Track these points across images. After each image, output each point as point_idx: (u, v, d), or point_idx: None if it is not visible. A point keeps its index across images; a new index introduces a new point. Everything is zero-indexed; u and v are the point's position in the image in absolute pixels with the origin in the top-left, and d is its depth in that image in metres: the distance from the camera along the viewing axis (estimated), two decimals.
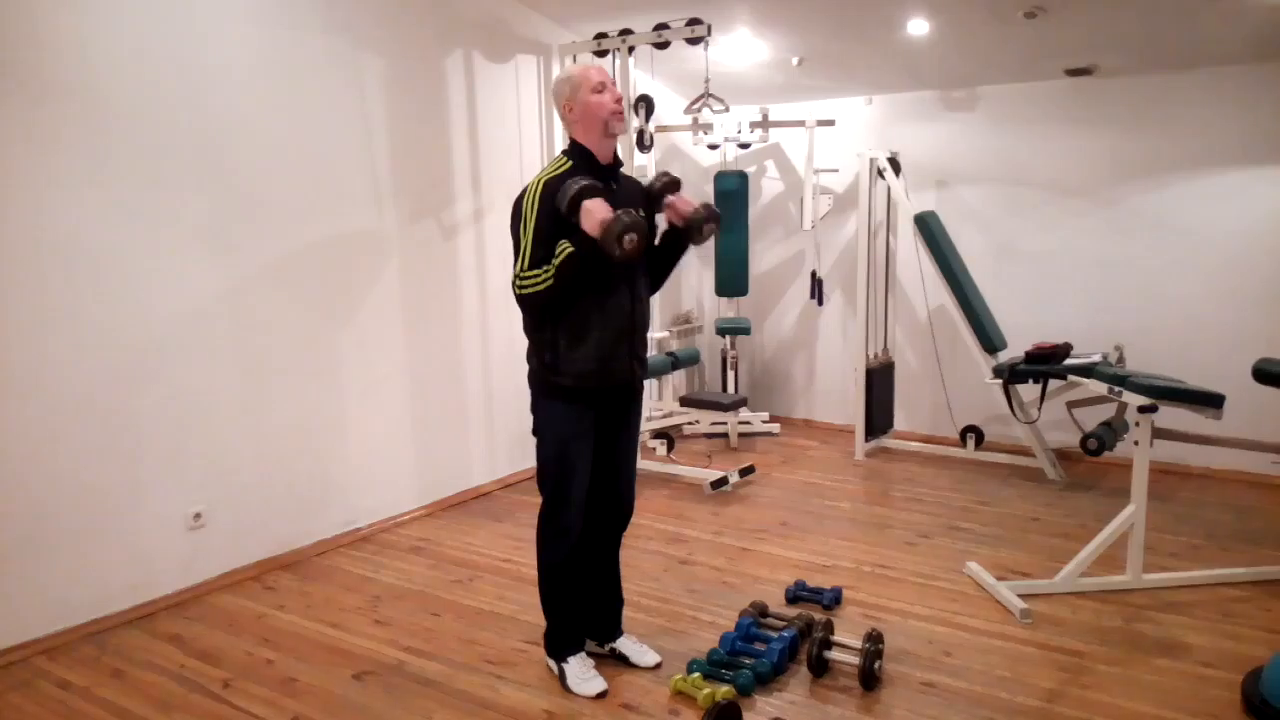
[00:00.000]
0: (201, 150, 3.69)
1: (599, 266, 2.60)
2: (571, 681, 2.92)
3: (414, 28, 4.55)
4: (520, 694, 2.91)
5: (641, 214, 2.67)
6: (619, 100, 2.73)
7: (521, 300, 2.68)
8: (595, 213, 2.54)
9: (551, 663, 3.01)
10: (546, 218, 2.61)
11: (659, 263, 2.97)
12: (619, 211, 2.54)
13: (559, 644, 2.99)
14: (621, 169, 2.86)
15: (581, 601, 3.02)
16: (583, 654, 3.01)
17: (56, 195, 3.27)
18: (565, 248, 2.58)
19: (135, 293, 3.52)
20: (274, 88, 3.94)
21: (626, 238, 2.51)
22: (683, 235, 2.90)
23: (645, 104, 5.26)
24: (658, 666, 3.05)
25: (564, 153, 2.77)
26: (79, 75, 3.30)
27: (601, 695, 2.88)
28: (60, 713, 2.87)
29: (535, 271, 2.61)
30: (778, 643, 3.08)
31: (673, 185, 2.91)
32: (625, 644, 3.12)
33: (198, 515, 3.76)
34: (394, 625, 3.46)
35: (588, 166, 2.72)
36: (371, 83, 4.35)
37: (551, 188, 2.64)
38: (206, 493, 3.80)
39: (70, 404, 3.35)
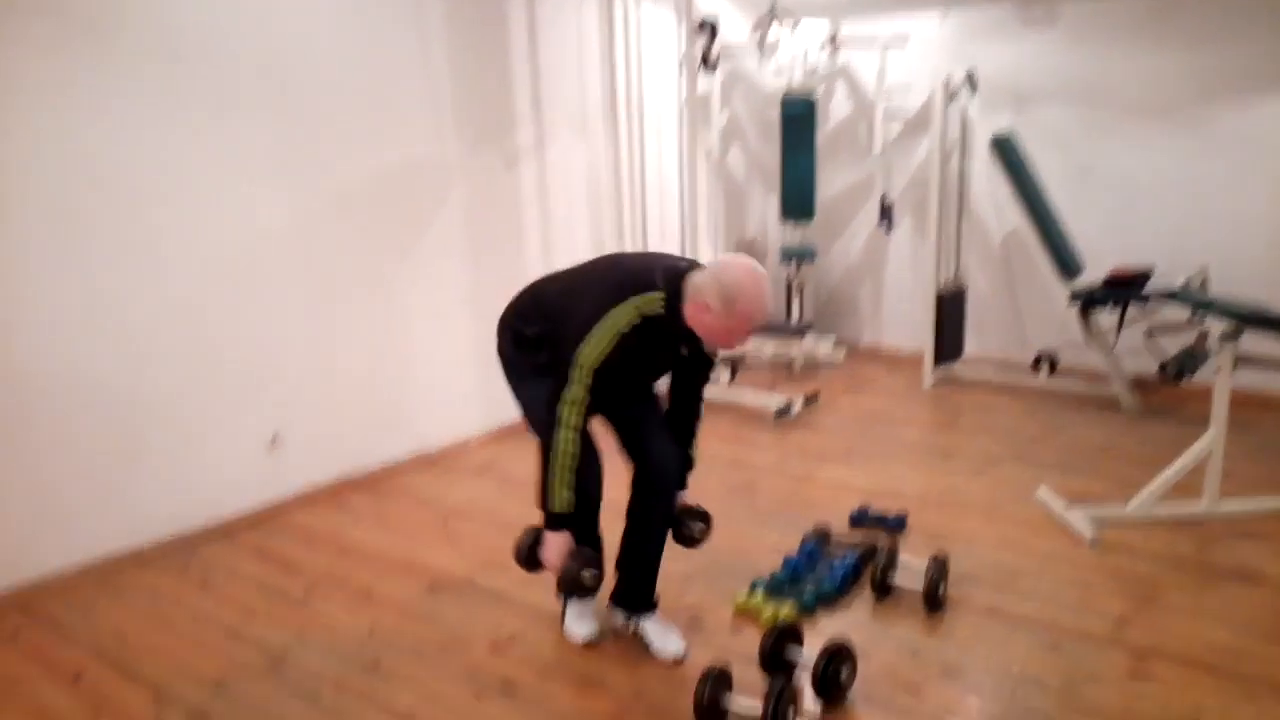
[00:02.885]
0: (267, 79, 3.71)
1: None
2: (567, 621, 2.88)
3: None
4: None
5: (685, 351, 2.60)
6: (738, 342, 2.54)
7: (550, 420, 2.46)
8: (552, 552, 2.50)
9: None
10: (611, 344, 2.40)
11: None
12: (575, 550, 2.50)
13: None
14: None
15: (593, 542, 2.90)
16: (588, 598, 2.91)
17: (130, 124, 3.33)
18: (561, 500, 2.46)
19: (210, 220, 3.59)
20: (337, 13, 3.94)
21: (587, 574, 2.49)
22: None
23: (709, 27, 5.13)
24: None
25: (666, 297, 2.43)
26: (145, 10, 3.33)
27: (589, 642, 2.81)
28: (153, 618, 3.04)
29: (570, 436, 2.43)
30: (841, 565, 3.10)
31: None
32: (651, 626, 2.83)
33: (275, 436, 3.89)
34: (464, 542, 3.57)
35: (675, 325, 2.46)
36: (433, 7, 4.32)
37: (643, 328, 2.42)
38: (283, 415, 3.92)
39: (153, 327, 3.46)
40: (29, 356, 3.14)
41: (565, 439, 2.43)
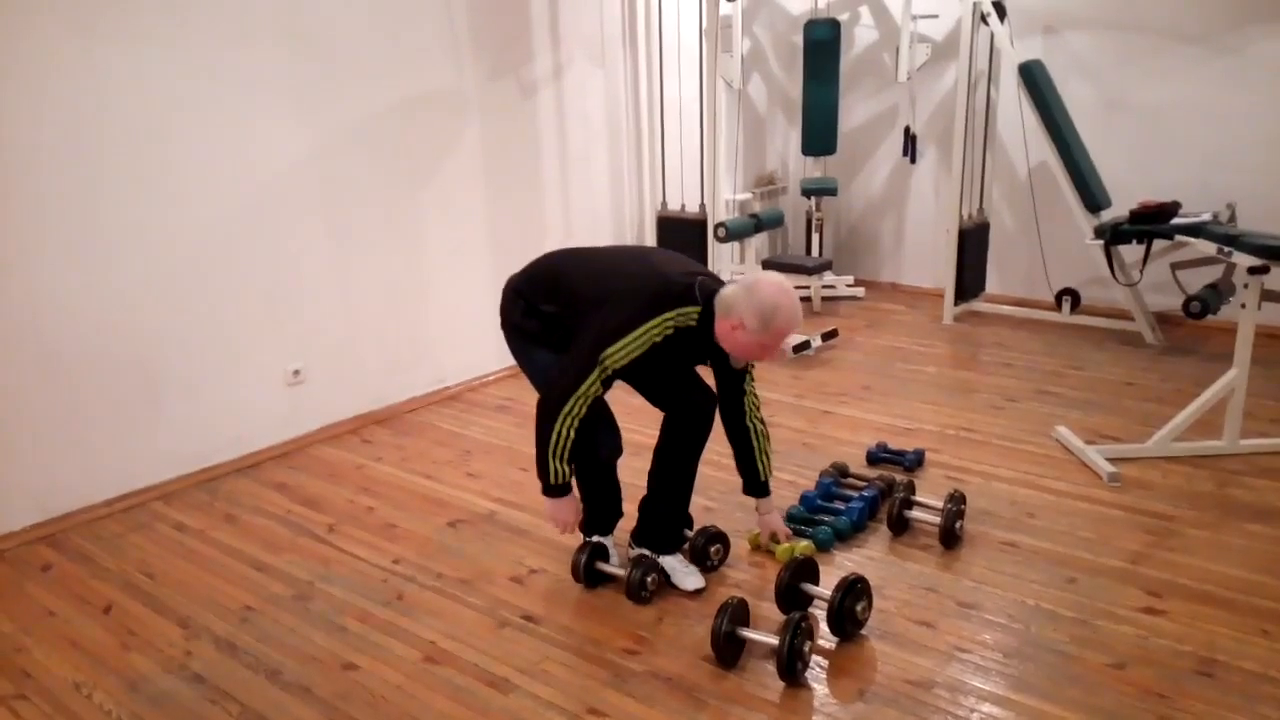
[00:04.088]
0: (282, 9, 3.65)
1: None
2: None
3: None
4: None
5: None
6: (770, 357, 2.56)
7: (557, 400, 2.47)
8: (562, 513, 2.61)
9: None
10: (641, 351, 2.42)
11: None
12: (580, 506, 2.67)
13: (585, 525, 2.94)
14: None
15: (609, 499, 2.95)
16: (606, 538, 2.95)
17: (145, 59, 3.29)
18: (557, 474, 2.52)
19: (225, 153, 3.57)
20: None
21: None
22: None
23: None
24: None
25: (702, 310, 2.47)
26: None
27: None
28: (179, 553, 3.10)
29: (572, 411, 2.45)
30: (858, 501, 3.11)
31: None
32: (672, 562, 2.83)
33: (296, 371, 3.92)
34: (484, 478, 3.60)
35: (705, 336, 2.49)
36: None
37: (673, 336, 2.44)
38: (304, 350, 3.94)
39: (172, 264, 3.47)
40: (47, 294, 3.16)
41: (567, 428, 2.48)
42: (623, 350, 2.40)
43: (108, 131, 3.23)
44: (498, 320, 2.82)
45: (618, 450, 2.80)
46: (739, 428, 2.78)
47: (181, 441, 3.58)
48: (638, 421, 3.09)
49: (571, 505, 2.62)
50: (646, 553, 2.79)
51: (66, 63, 3.10)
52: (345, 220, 4.02)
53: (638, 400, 2.81)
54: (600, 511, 2.88)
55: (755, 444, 2.79)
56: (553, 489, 2.57)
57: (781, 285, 2.42)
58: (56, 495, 3.27)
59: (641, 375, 2.70)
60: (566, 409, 2.45)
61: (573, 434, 2.49)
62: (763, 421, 2.81)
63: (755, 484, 2.85)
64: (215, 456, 3.69)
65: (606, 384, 2.49)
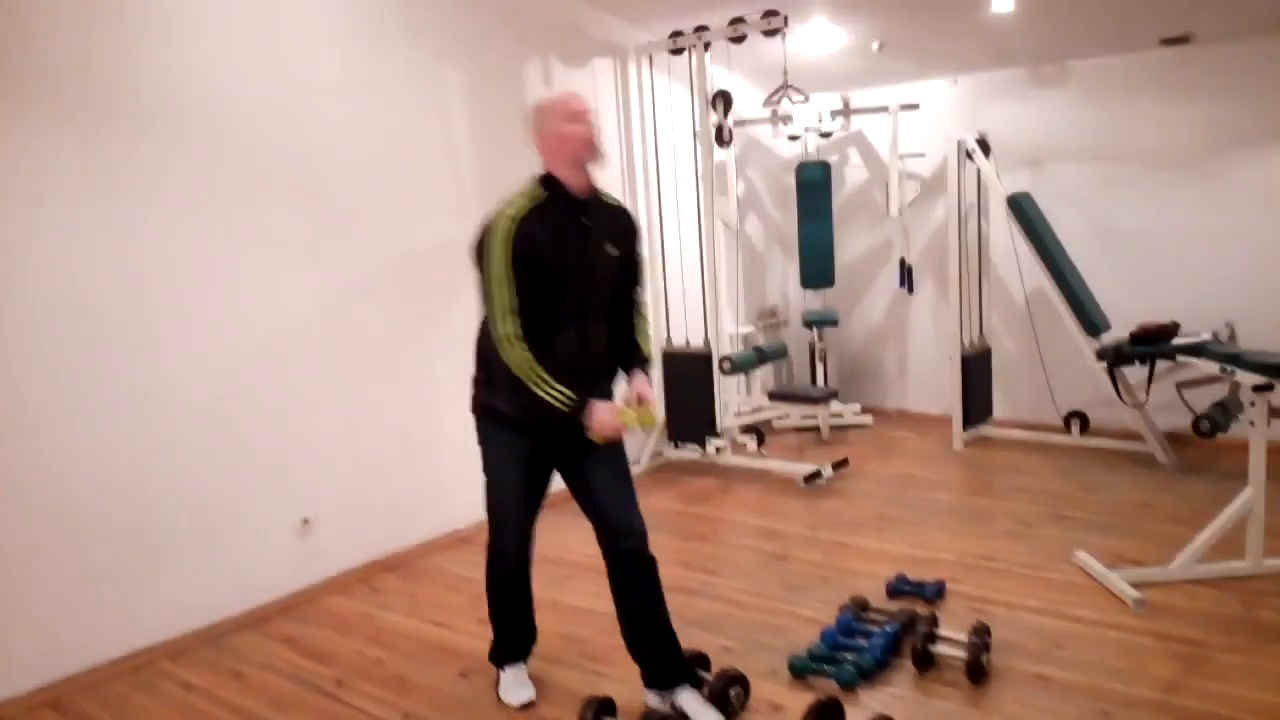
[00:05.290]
0: (293, 170, 3.82)
1: (545, 304, 2.55)
2: (501, 689, 2.96)
3: (491, 37, 4.63)
4: (620, 688, 2.92)
5: (615, 251, 2.69)
6: (594, 132, 2.60)
7: (492, 349, 2.55)
8: (602, 414, 2.56)
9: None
10: (520, 265, 2.49)
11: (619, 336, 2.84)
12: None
13: (498, 653, 3.01)
14: (599, 196, 2.70)
15: (523, 619, 3.00)
16: (520, 665, 2.99)
17: (161, 218, 3.42)
18: (561, 397, 2.51)
19: (238, 310, 3.66)
20: (359, 106, 4.06)
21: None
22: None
23: (723, 100, 5.24)
24: None
25: (539, 180, 2.61)
26: (177, 104, 3.45)
27: (526, 706, 2.87)
28: (185, 713, 3.01)
29: (527, 359, 2.50)
30: (880, 637, 3.04)
31: None
32: (688, 700, 2.72)
33: (306, 520, 3.90)
34: (492, 627, 3.52)
35: (560, 199, 2.58)
36: (453, 94, 4.45)
37: (524, 229, 2.50)
38: (313, 498, 3.93)
39: (182, 418, 3.50)
40: (57, 447, 3.18)
41: (518, 358, 2.49)
42: (495, 282, 2.48)
43: (121, 291, 3.32)
44: None
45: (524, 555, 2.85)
46: (625, 312, 2.82)
47: (189, 596, 3.53)
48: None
49: (605, 407, 2.56)
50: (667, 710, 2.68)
51: (82, 220, 3.21)
52: (353, 368, 4.08)
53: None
54: (507, 638, 2.96)
55: (639, 318, 2.87)
56: (573, 407, 2.52)
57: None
58: (62, 656, 3.20)
59: (575, 311, 2.64)
60: (502, 352, 2.49)
61: (529, 357, 2.49)
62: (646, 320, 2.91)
63: (641, 360, 2.85)
64: (223, 611, 3.63)
65: (525, 305, 2.50)
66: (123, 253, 3.32)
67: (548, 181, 2.60)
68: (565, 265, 2.57)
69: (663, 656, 2.75)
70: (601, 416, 2.54)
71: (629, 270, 2.81)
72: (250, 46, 3.66)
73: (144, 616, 3.41)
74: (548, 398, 2.50)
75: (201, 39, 3.51)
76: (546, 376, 2.50)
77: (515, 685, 2.94)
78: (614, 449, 2.75)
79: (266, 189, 3.73)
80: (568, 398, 2.50)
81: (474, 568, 4.09)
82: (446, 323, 4.42)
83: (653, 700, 2.77)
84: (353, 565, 4.08)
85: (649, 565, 2.73)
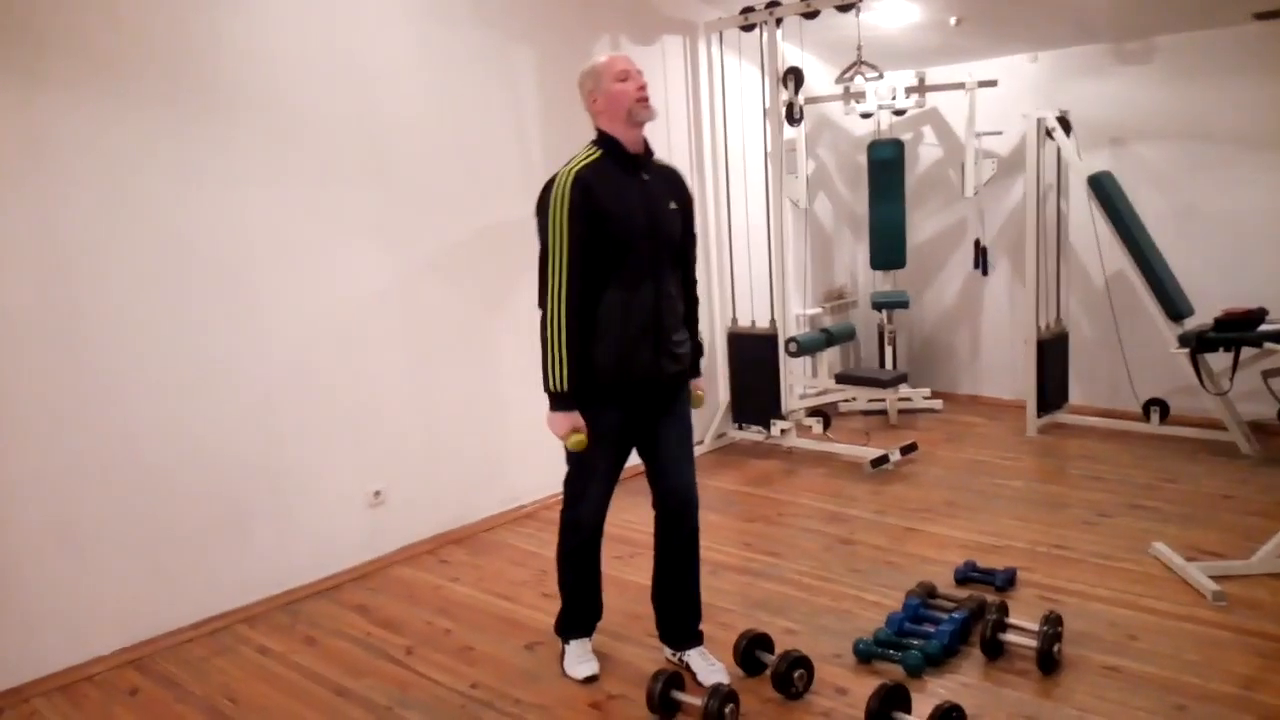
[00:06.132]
0: (368, 149, 3.88)
1: (618, 258, 2.63)
2: (566, 662, 2.99)
3: (560, 16, 4.62)
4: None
5: (675, 206, 2.77)
6: (643, 88, 2.67)
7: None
8: (557, 426, 2.67)
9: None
10: (580, 221, 2.59)
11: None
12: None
13: (564, 626, 3.03)
14: (653, 158, 2.80)
15: (592, 592, 3.02)
16: (585, 639, 3.02)
17: (243, 197, 3.51)
18: (561, 370, 2.61)
19: (315, 286, 3.74)
20: (430, 86, 4.10)
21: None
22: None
23: (794, 76, 5.16)
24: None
25: (594, 142, 2.73)
26: (258, 84, 3.53)
27: (590, 680, 2.90)
28: (262, 677, 3.11)
29: (562, 315, 2.60)
30: (948, 623, 2.99)
31: None
32: (696, 658, 2.89)
33: (377, 493, 3.99)
34: (560, 599, 3.56)
35: (617, 156, 2.69)
36: (523, 73, 4.46)
37: (584, 181, 2.60)
38: (385, 472, 4.01)
39: (262, 391, 3.60)
40: (140, 422, 3.30)
41: (556, 322, 2.59)
42: (556, 241, 2.58)
43: (207, 267, 3.42)
44: None
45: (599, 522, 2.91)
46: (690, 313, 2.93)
47: (265, 565, 3.64)
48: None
49: (565, 419, 2.66)
50: (723, 682, 2.69)
51: (170, 202, 3.32)
52: (425, 344, 4.15)
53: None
54: (576, 610, 3.00)
55: (695, 303, 2.98)
56: (554, 399, 2.64)
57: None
58: (145, 619, 3.33)
59: (640, 272, 2.71)
60: (554, 285, 2.59)
61: (565, 325, 2.59)
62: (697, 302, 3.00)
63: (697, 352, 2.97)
64: (297, 579, 3.74)
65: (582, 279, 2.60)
66: (207, 230, 3.42)
67: (603, 140, 2.71)
68: (631, 218, 2.65)
69: (684, 619, 2.93)
70: (556, 425, 2.67)
71: (688, 229, 2.89)
72: (325, 29, 3.72)
73: (223, 583, 3.53)
74: (552, 360, 2.60)
75: (278, 23, 3.58)
76: (566, 344, 2.60)
77: (580, 659, 2.98)
78: (685, 421, 2.89)
79: (341, 168, 3.80)
80: (562, 376, 2.61)
81: (539, 543, 4.15)
82: (514, 301, 4.45)
83: (666, 652, 2.98)
84: (422, 537, 4.16)
85: (694, 534, 2.88)
